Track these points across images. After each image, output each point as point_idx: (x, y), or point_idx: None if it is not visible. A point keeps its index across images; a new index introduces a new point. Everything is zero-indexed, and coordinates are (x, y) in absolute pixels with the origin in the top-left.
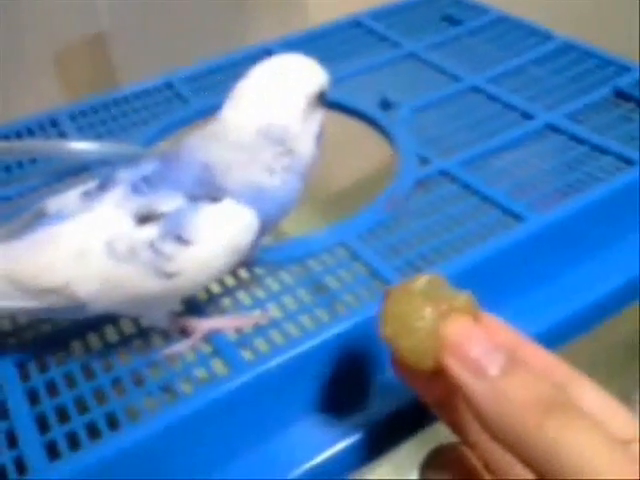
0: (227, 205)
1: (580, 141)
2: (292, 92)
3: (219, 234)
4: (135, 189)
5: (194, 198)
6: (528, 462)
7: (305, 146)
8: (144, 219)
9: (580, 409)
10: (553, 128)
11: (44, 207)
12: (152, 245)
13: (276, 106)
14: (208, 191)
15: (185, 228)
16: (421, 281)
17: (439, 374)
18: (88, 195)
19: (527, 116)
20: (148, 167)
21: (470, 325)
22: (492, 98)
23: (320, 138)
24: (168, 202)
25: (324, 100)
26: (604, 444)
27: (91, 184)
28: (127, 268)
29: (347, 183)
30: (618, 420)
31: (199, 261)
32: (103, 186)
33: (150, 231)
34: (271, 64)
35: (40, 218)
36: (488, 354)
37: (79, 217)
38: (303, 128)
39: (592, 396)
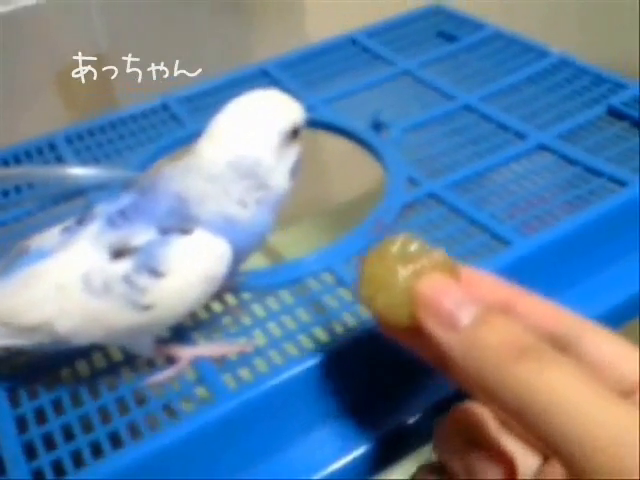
0: (198, 236)
1: (572, 162)
2: (265, 128)
3: (192, 265)
4: (110, 223)
5: (166, 230)
6: (508, 412)
7: (279, 180)
8: (118, 253)
9: (557, 354)
10: (545, 148)
11: (26, 245)
12: (127, 279)
13: (248, 141)
14: (180, 222)
15: (158, 261)
16: (395, 242)
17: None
18: (67, 231)
19: (519, 135)
20: (125, 199)
21: (443, 280)
22: (485, 117)
23: (296, 171)
24: (140, 235)
25: (301, 133)
26: (585, 384)
27: (71, 220)
28: (103, 302)
29: (342, 202)
30: (631, 364)
31: (173, 293)
32: (81, 221)
33: (124, 265)
34: (247, 99)
35: (22, 256)
36: (460, 306)
37: (57, 254)
38: (277, 163)
39: (602, 341)
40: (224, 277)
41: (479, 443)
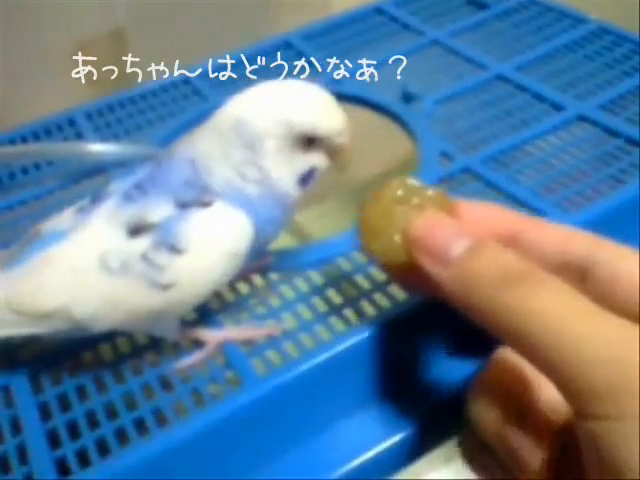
0: (218, 209)
1: (614, 133)
2: (285, 115)
3: (213, 240)
4: (127, 197)
5: (184, 204)
6: (506, 340)
7: (280, 176)
8: (136, 230)
9: (549, 276)
10: (585, 119)
11: (38, 229)
12: (145, 257)
13: (259, 113)
14: (198, 194)
15: (177, 237)
16: (391, 186)
17: None
18: (82, 211)
19: (557, 107)
20: (141, 173)
21: (434, 216)
22: (520, 88)
23: (306, 182)
24: (158, 210)
25: (332, 148)
26: (578, 302)
27: (85, 199)
28: (122, 283)
29: (373, 178)
30: None
31: (194, 270)
32: (96, 199)
33: (142, 242)
34: (291, 83)
35: (35, 240)
36: (451, 241)
37: (72, 235)
38: (281, 156)
39: (618, 260)
40: (246, 254)
41: (518, 407)
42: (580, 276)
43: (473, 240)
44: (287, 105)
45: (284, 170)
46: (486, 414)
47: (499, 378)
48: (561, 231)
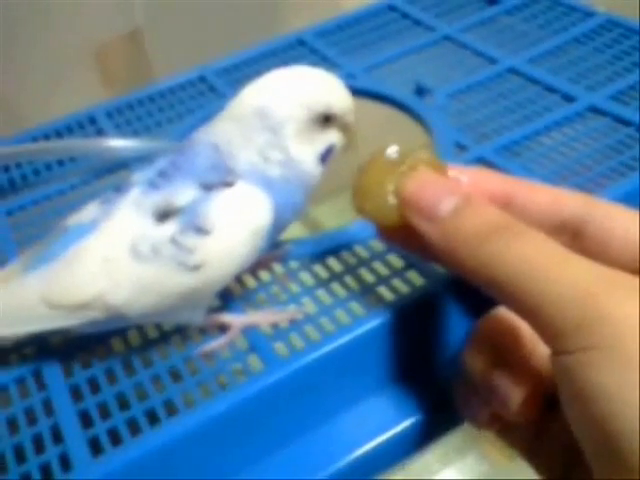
0: (240, 188)
1: (626, 123)
2: (303, 98)
3: (236, 217)
4: (151, 185)
5: (208, 185)
6: (491, 291)
7: (303, 156)
8: (163, 215)
9: (528, 228)
10: (596, 110)
11: (64, 224)
12: (174, 240)
13: (280, 99)
14: (221, 176)
15: (203, 218)
16: (383, 150)
17: None
18: (107, 202)
19: (568, 98)
20: (163, 162)
21: (426, 176)
22: (531, 80)
23: (326, 160)
24: (184, 194)
25: (344, 125)
26: (554, 250)
27: (109, 192)
28: (153, 268)
29: None
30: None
31: (222, 249)
32: (120, 190)
33: (170, 227)
34: (295, 69)
35: (61, 235)
36: (440, 198)
37: (100, 226)
38: (302, 137)
39: (610, 218)
40: (268, 233)
41: (507, 358)
42: (573, 235)
43: (460, 197)
44: (303, 89)
45: (306, 150)
46: (476, 361)
47: (490, 330)
48: (552, 192)
